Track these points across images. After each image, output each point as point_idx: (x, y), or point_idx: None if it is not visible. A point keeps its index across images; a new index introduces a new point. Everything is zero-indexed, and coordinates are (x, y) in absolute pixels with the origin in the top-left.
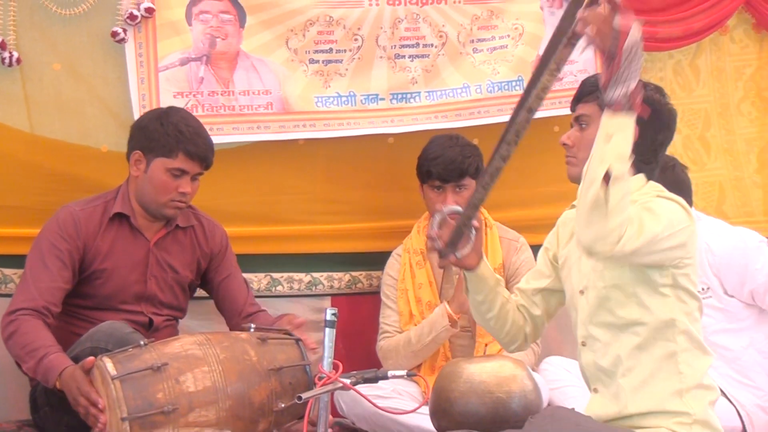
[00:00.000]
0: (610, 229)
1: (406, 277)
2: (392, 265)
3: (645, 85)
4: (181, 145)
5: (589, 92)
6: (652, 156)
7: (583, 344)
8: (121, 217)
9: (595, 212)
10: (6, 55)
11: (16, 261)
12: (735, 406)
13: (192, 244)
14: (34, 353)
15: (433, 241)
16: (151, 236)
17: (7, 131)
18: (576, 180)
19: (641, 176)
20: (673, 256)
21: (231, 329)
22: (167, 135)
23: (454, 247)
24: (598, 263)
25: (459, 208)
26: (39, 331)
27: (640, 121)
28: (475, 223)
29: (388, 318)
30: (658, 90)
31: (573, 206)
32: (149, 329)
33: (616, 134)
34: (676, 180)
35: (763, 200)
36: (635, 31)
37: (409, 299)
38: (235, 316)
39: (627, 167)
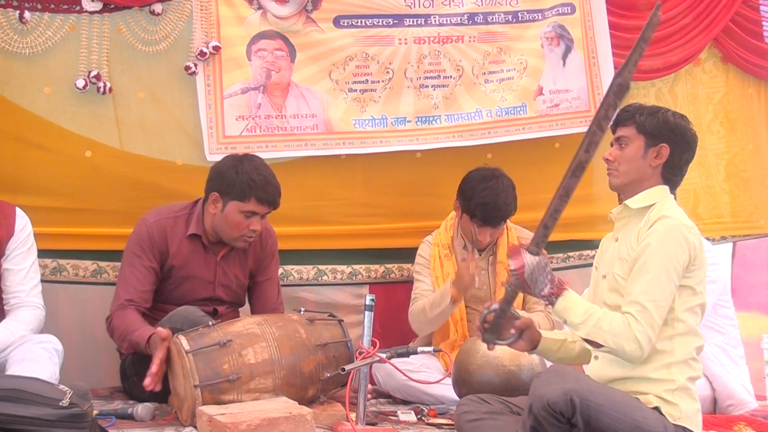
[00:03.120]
0: (625, 352)
1: (436, 267)
2: (424, 249)
3: (674, 114)
4: (252, 192)
5: (626, 118)
6: (678, 171)
7: None
8: (194, 236)
9: (611, 353)
10: (101, 85)
11: (108, 255)
12: (707, 378)
13: (250, 253)
14: (125, 335)
15: (480, 333)
16: (217, 252)
17: (101, 148)
18: (616, 189)
19: (665, 188)
20: (685, 284)
21: None
22: (241, 182)
23: (495, 335)
24: (617, 254)
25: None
26: (125, 317)
27: (670, 143)
28: (511, 312)
29: (418, 288)
30: (684, 117)
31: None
32: (214, 317)
33: (565, 317)
34: None
35: (730, 204)
36: (529, 261)
37: (440, 285)
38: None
39: (587, 324)
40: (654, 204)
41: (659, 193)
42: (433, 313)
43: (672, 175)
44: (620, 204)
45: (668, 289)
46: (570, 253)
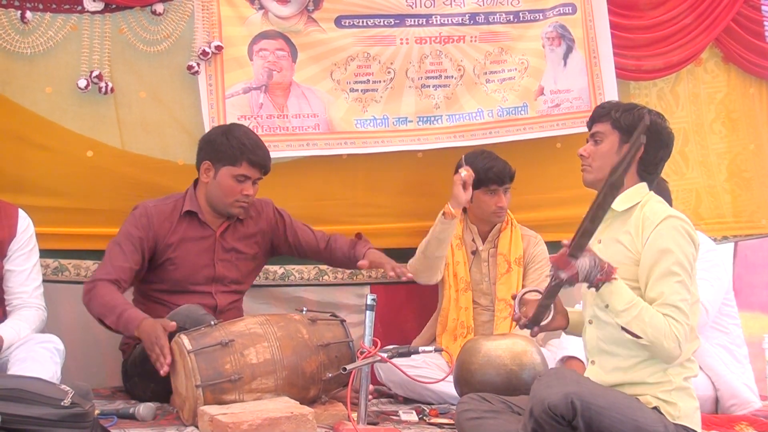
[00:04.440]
0: (664, 348)
1: (447, 254)
2: None
3: (649, 111)
4: (244, 155)
5: (602, 114)
6: (653, 168)
7: (590, 322)
8: (190, 214)
9: (647, 349)
10: (102, 85)
11: None
12: (710, 378)
13: (250, 228)
14: (114, 309)
15: (518, 320)
16: (216, 228)
17: (103, 147)
18: (590, 185)
19: (644, 185)
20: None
21: (322, 262)
22: (232, 147)
23: (537, 323)
24: (603, 257)
25: (536, 289)
26: (114, 293)
27: (645, 139)
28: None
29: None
30: (660, 116)
31: None
32: (215, 311)
33: (609, 301)
34: (659, 189)
35: (731, 204)
36: (581, 266)
37: (449, 271)
38: (317, 255)
39: (630, 313)
40: (638, 203)
41: (640, 191)
42: (427, 240)
43: (647, 172)
44: None
45: (691, 287)
46: None
